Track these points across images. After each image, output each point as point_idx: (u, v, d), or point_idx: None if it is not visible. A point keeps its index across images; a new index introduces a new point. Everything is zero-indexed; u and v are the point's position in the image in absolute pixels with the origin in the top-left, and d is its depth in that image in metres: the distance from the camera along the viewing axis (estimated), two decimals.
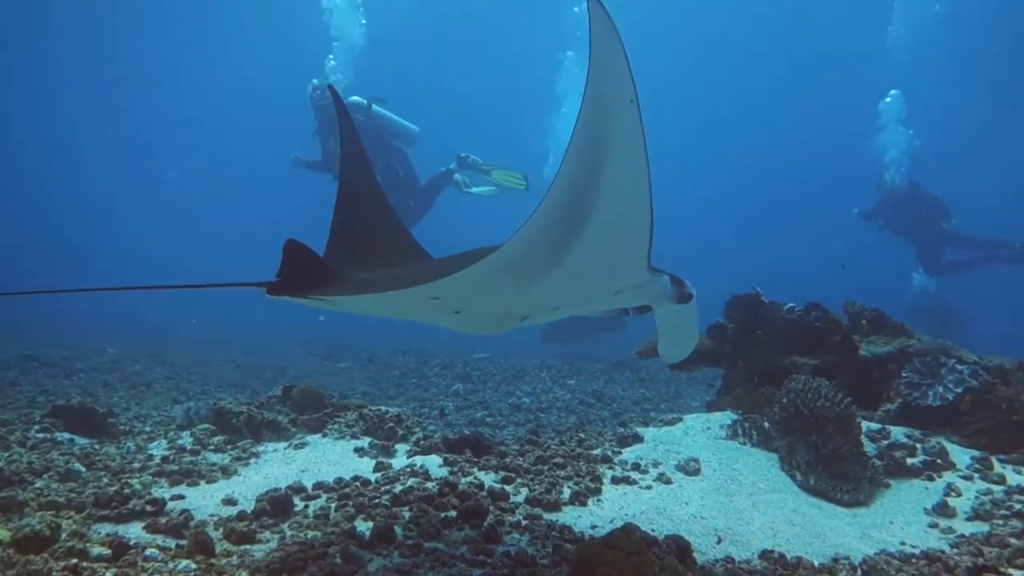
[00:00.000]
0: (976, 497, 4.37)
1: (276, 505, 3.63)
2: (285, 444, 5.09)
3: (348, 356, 15.74)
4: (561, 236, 2.19)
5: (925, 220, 15.33)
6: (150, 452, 4.83)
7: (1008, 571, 2.93)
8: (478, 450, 4.84)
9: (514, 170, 10.74)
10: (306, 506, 3.78)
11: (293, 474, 4.40)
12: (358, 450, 4.98)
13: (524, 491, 4.11)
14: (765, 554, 3.50)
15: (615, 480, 4.41)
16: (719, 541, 3.68)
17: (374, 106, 11.44)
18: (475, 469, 4.47)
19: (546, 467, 4.53)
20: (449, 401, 10.06)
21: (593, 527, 3.70)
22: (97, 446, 4.94)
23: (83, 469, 4.15)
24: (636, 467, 4.61)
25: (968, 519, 4.15)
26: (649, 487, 4.34)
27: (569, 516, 3.86)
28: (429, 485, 4.09)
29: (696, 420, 5.45)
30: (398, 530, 3.36)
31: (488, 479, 4.28)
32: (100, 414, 5.42)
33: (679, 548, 3.12)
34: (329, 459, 4.77)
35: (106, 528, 3.29)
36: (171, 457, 4.65)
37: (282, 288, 2.60)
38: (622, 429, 5.34)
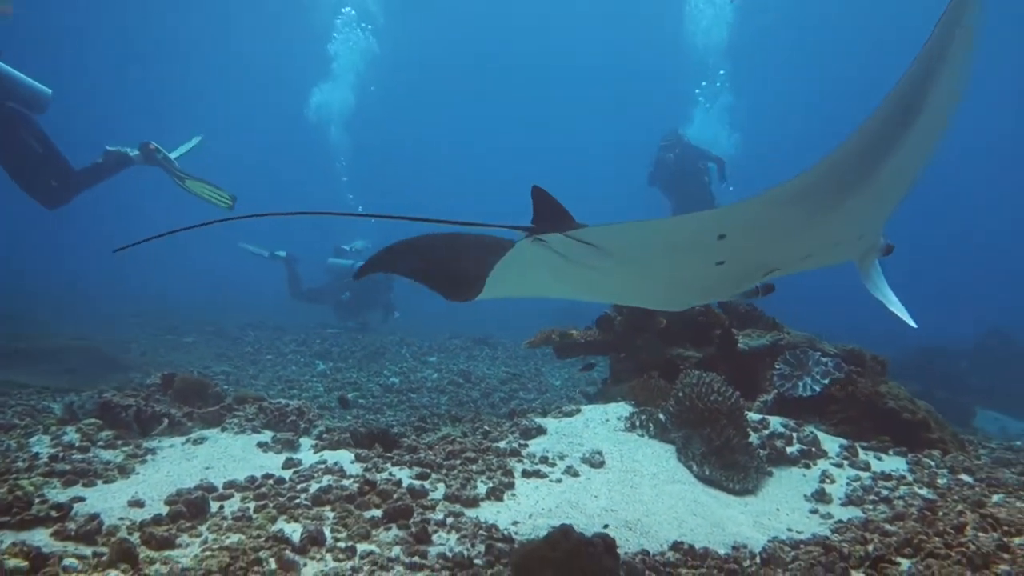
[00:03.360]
0: (848, 484, 4.82)
1: (192, 507, 3.52)
2: (182, 439, 4.89)
3: (192, 329, 15.11)
4: (884, 146, 2.11)
5: (691, 182, 15.72)
6: (33, 450, 4.52)
7: (897, 559, 3.28)
8: (388, 444, 4.85)
9: (220, 188, 9.32)
10: (221, 507, 3.68)
11: (197, 472, 4.26)
12: (261, 445, 4.87)
13: (441, 487, 4.17)
14: (676, 545, 3.73)
15: (526, 474, 4.54)
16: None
17: None
18: (389, 465, 4.48)
19: (458, 462, 4.60)
20: (318, 382, 9.96)
21: (514, 523, 3.81)
22: None
23: None
24: (544, 460, 4.76)
25: (843, 504, 4.57)
26: (559, 480, 4.50)
27: (488, 512, 3.95)
28: (346, 483, 4.07)
29: (594, 412, 5.68)
30: (327, 532, 3.35)
31: (404, 475, 4.30)
32: None
33: (606, 546, 3.28)
34: (232, 455, 4.64)
35: (9, 537, 3.09)
36: (60, 455, 4.37)
37: (546, 230, 2.48)
38: (525, 421, 5.47)
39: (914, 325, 2.75)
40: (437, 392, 10.03)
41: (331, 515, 3.60)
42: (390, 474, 4.31)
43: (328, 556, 3.15)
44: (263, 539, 3.22)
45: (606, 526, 3.89)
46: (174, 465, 4.40)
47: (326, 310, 17.59)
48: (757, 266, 2.67)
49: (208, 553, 3.02)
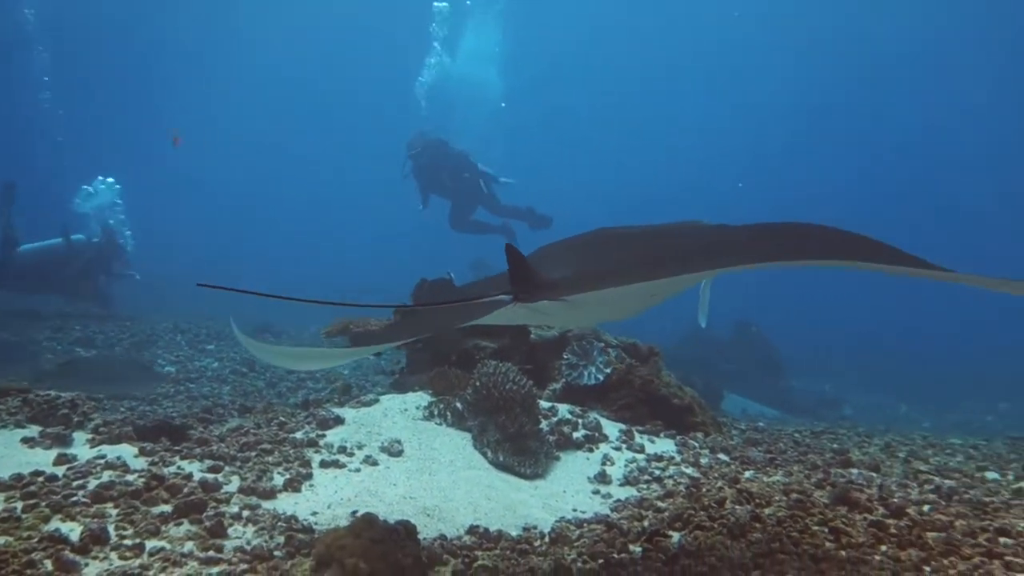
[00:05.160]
0: (625, 465, 5.24)
1: None
2: None
3: None
4: None
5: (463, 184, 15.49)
6: None
7: (669, 532, 3.65)
8: (176, 437, 4.61)
9: None
10: None
11: None
12: (26, 440, 4.45)
13: (235, 480, 4.04)
14: (472, 529, 3.89)
15: (324, 464, 4.51)
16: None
17: None
18: (177, 458, 4.27)
19: (254, 453, 4.48)
20: None
21: (314, 513, 3.79)
22: None
23: None
24: (343, 450, 4.75)
25: (621, 485, 4.97)
26: (358, 470, 4.51)
27: (286, 503, 3.89)
28: (130, 478, 3.82)
29: (393, 401, 5.73)
30: (110, 529, 3.15)
31: (195, 469, 4.12)
32: None
33: (407, 532, 3.36)
34: None
35: None
36: None
37: (531, 294, 2.67)
38: (322, 412, 5.40)
39: (703, 326, 3.21)
40: (218, 382, 9.61)
41: (114, 512, 3.39)
42: (179, 468, 4.11)
43: (113, 555, 2.97)
44: (35, 540, 2.97)
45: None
46: None
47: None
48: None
49: None
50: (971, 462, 5.78)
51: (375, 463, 4.63)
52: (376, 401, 5.75)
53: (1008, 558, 2.95)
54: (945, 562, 2.96)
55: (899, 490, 4.43)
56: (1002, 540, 3.21)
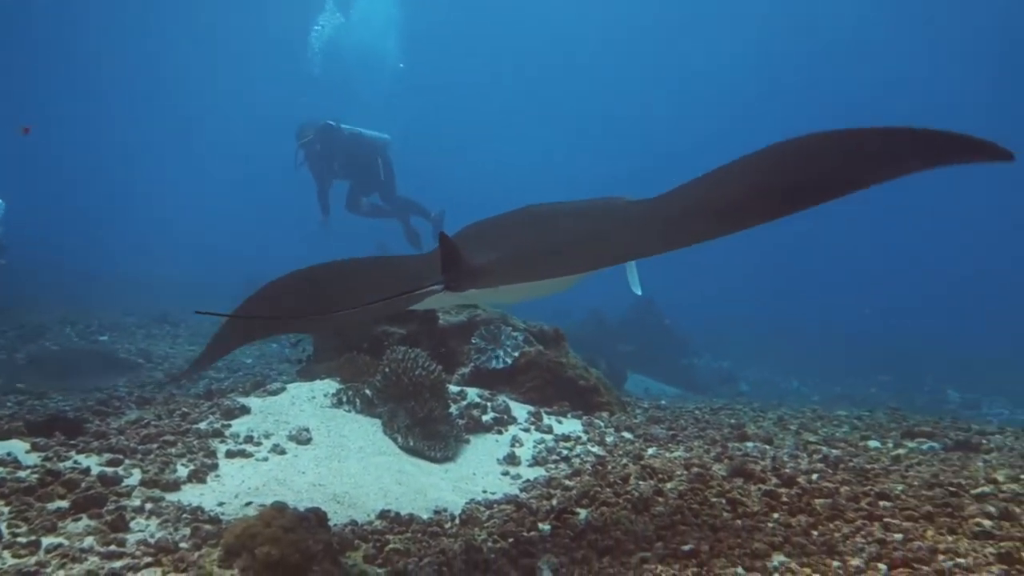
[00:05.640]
0: (534, 446, 5.35)
1: None
2: None
3: None
4: None
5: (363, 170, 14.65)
6: None
7: (577, 510, 3.76)
8: (71, 431, 4.44)
9: None
10: None
11: None
12: None
13: (137, 472, 3.94)
14: (383, 514, 3.91)
15: (230, 454, 4.43)
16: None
17: None
18: (74, 453, 4.12)
19: (156, 445, 4.36)
20: None
21: (221, 504, 3.73)
22: None
23: None
24: (249, 440, 4.68)
25: (530, 465, 5.07)
26: (265, 459, 4.45)
27: (191, 495, 3.82)
28: (22, 474, 3.67)
29: (300, 389, 5.66)
30: (2, 528, 3.03)
31: (92, 463, 3.99)
32: None
33: (318, 519, 3.35)
34: None
35: None
36: None
37: (461, 283, 2.71)
38: (227, 401, 5.30)
39: (639, 294, 3.31)
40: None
41: (6, 509, 3.25)
42: (76, 463, 3.97)
43: (6, 553, 2.86)
44: None
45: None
46: None
47: None
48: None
49: None
50: (855, 432, 6.15)
51: (283, 452, 4.58)
52: (283, 389, 5.67)
53: (887, 519, 3.18)
54: (831, 526, 3.16)
55: (790, 461, 4.69)
56: (882, 503, 3.45)
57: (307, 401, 5.45)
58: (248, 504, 3.78)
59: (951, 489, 3.59)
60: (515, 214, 3.32)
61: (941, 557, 2.64)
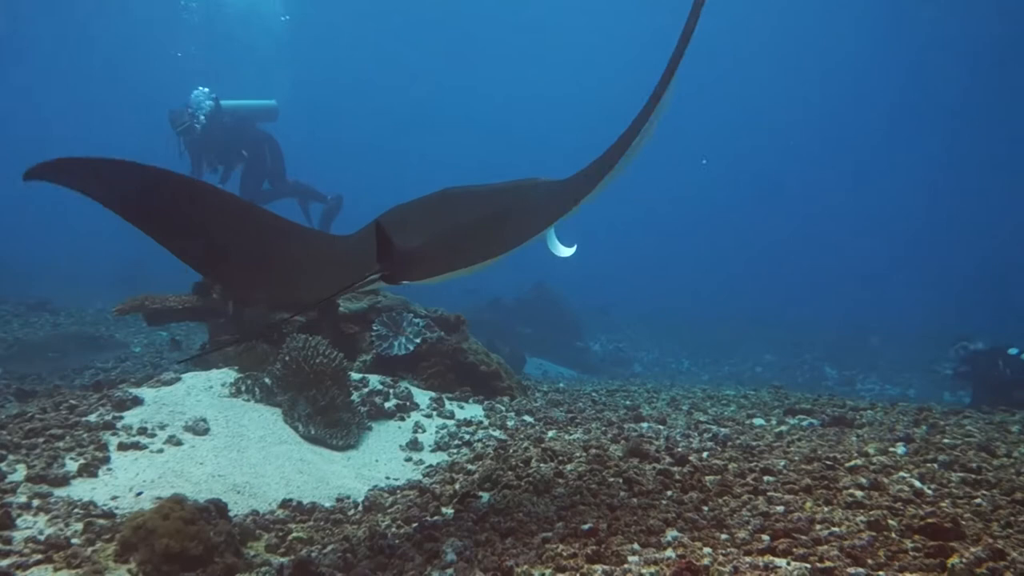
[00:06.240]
0: (436, 432, 5.41)
1: None
2: None
3: None
4: None
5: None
6: None
7: (479, 493, 3.84)
8: None
9: None
10: None
11: None
12: None
13: (21, 468, 3.78)
14: (285, 503, 3.89)
15: (123, 447, 4.28)
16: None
17: None
18: None
19: (42, 440, 4.18)
20: None
21: (114, 498, 3.62)
22: None
23: None
24: (143, 431, 4.53)
25: (432, 451, 5.14)
26: (161, 451, 4.33)
27: (82, 489, 3.69)
28: None
29: (196, 379, 5.51)
30: None
31: None
32: None
33: (218, 510, 3.31)
34: None
35: None
36: None
37: (396, 276, 2.75)
38: (118, 393, 5.10)
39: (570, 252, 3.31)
40: None
41: None
42: None
43: None
44: None
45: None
46: None
47: None
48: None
49: None
50: (742, 411, 6.50)
51: (179, 443, 4.47)
52: (178, 380, 5.51)
53: (770, 493, 3.40)
54: (720, 501, 3.36)
55: (683, 440, 4.93)
56: (766, 478, 3.69)
57: (204, 391, 5.32)
58: (142, 495, 3.69)
59: (827, 463, 3.87)
60: (436, 198, 3.32)
61: (818, 527, 2.86)
